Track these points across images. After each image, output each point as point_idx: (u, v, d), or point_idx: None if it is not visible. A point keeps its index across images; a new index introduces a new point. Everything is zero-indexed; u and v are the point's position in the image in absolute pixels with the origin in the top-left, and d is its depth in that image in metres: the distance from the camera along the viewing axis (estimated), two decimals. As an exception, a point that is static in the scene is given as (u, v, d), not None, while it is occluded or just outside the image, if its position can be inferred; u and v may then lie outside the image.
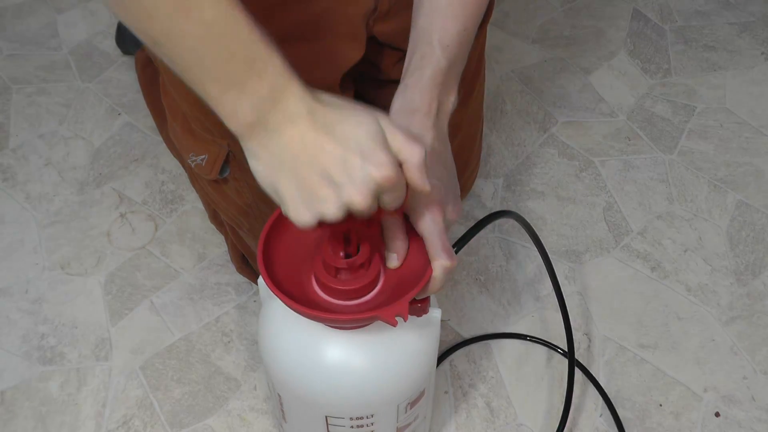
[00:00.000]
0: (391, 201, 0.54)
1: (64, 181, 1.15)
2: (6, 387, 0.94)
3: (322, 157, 0.51)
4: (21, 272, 1.05)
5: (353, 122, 0.52)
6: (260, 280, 0.64)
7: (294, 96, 0.51)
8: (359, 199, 0.51)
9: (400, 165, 0.53)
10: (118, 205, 1.12)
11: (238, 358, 0.96)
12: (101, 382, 0.95)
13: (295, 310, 0.58)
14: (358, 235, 0.59)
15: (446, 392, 0.94)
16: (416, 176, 0.53)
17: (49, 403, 0.93)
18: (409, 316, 0.60)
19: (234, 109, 0.52)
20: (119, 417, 0.92)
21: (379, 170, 0.51)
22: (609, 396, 0.93)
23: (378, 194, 0.53)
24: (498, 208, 1.12)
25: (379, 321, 0.59)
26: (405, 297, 0.58)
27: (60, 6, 1.41)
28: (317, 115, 0.52)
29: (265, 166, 0.53)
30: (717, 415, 0.92)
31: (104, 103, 1.25)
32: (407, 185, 0.54)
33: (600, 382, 0.94)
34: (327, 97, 0.53)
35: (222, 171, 0.82)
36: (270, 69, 0.51)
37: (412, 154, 0.53)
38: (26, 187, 1.14)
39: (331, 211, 0.52)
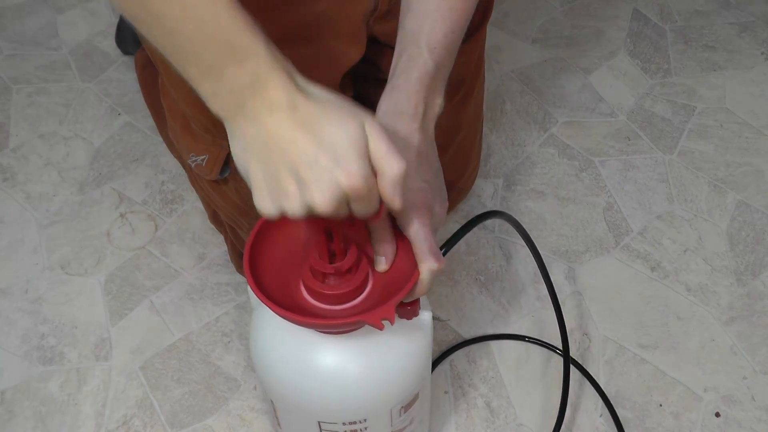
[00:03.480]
0: (360, 210, 0.53)
1: (64, 181, 1.15)
2: (6, 387, 0.94)
3: (294, 152, 0.50)
4: (21, 272, 1.05)
5: (335, 122, 0.51)
6: (248, 287, 0.63)
7: (276, 86, 0.50)
8: (321, 201, 0.50)
9: (375, 175, 0.52)
10: (118, 205, 1.12)
11: (238, 358, 0.96)
12: (101, 382, 0.95)
13: (282, 317, 0.58)
14: (341, 234, 0.58)
15: (446, 392, 0.94)
16: (388, 191, 0.52)
17: (49, 403, 0.93)
18: (400, 319, 0.60)
19: (213, 93, 0.52)
20: (119, 417, 0.92)
21: (348, 178, 0.50)
22: (609, 396, 0.93)
23: (344, 201, 0.52)
24: (498, 208, 1.12)
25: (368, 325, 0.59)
26: (391, 301, 0.57)
27: (60, 6, 1.41)
28: (299, 108, 0.51)
29: (241, 149, 0.53)
30: (717, 415, 0.92)
31: (104, 103, 1.25)
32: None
33: (600, 382, 0.94)
34: (317, 92, 0.52)
35: (222, 171, 0.81)
36: (252, 57, 0.50)
37: (390, 168, 0.51)
38: (26, 187, 1.14)
39: (293, 207, 0.51)
